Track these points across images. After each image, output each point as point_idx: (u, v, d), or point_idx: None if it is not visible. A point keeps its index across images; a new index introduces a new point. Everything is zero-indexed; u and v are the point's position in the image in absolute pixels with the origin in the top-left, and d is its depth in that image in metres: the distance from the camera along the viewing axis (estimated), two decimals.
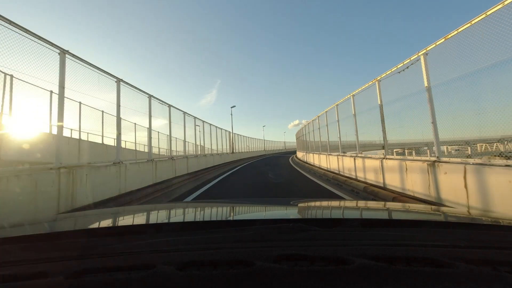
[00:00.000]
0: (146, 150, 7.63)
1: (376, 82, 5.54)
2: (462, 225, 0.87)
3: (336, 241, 0.65)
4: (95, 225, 1.00)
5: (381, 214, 1.18)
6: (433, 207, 1.42)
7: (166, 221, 1.08)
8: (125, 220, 1.12)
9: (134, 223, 1.05)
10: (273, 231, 0.68)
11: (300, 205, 1.42)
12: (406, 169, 4.29)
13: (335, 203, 1.86)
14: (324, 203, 1.63)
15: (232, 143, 22.52)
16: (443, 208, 1.78)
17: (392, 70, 4.87)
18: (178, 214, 1.24)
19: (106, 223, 1.06)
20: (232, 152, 21.73)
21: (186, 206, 1.75)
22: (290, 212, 1.28)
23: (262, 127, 55.23)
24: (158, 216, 1.21)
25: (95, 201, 4.36)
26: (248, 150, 31.43)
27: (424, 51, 3.88)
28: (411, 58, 4.21)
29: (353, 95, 6.92)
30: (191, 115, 11.60)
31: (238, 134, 26.85)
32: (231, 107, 27.37)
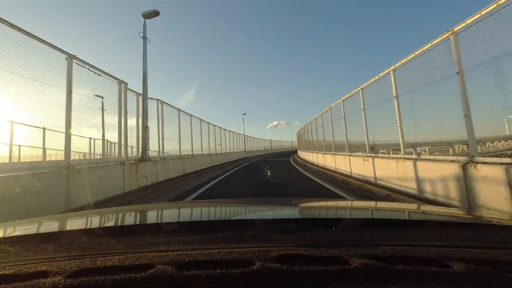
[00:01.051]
0: None
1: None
2: (462, 225, 0.87)
3: (336, 241, 0.65)
4: (95, 225, 1.00)
5: (381, 214, 1.18)
6: (434, 207, 1.42)
7: (166, 221, 1.08)
8: (125, 220, 1.12)
9: (134, 223, 1.06)
10: (273, 231, 0.68)
11: (300, 205, 1.42)
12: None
13: (335, 203, 1.86)
14: (324, 203, 1.63)
15: (144, 134, 7.12)
16: (443, 208, 1.78)
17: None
18: (178, 214, 1.24)
19: (106, 223, 1.06)
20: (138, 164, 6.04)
21: (186, 206, 1.76)
22: (290, 212, 1.28)
23: (242, 115, 34.81)
24: (158, 216, 1.21)
25: None
26: (214, 152, 15.52)
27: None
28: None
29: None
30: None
31: (179, 110, 10.48)
32: (141, 15, 7.58)
